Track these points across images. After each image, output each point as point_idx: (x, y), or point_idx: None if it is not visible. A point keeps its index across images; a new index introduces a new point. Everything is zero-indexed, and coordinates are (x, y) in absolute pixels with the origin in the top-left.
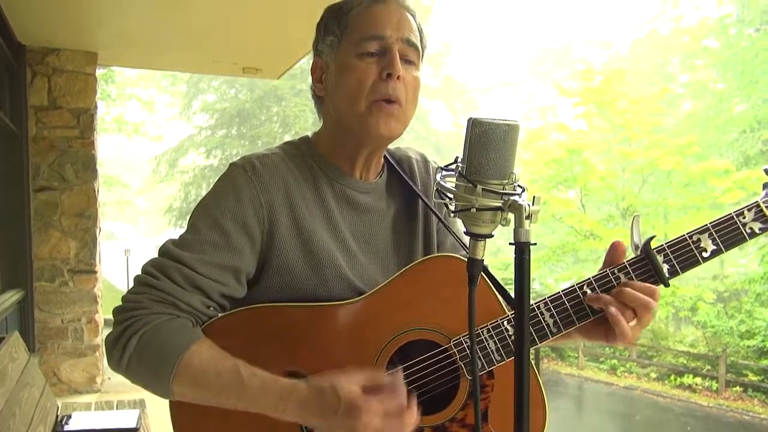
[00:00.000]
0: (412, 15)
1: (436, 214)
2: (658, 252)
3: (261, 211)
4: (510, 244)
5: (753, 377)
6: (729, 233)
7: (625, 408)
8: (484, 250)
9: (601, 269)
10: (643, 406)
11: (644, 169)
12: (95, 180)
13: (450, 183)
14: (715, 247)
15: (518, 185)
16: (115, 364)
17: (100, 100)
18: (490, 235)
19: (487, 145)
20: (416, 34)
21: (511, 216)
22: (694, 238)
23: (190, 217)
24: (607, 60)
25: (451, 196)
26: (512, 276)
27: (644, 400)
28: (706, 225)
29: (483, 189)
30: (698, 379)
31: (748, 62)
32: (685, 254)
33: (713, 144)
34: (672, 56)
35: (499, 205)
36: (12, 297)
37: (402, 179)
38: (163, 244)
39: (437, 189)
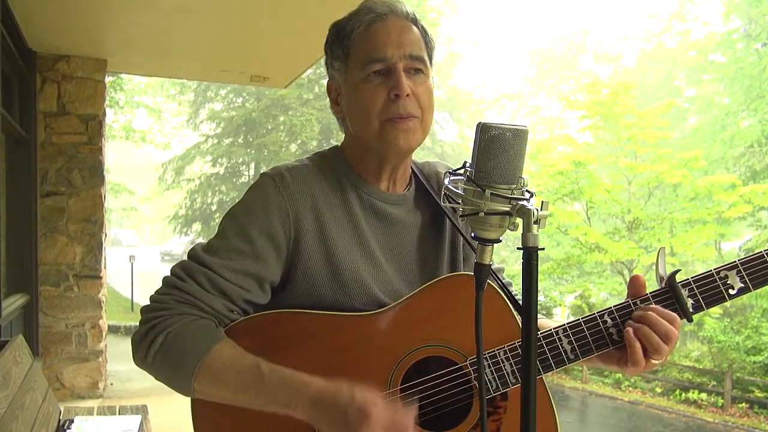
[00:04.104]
0: (413, 21)
1: (461, 233)
2: (684, 286)
3: (288, 222)
4: (518, 248)
5: (759, 394)
6: (758, 272)
7: (629, 423)
8: (491, 254)
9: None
10: (647, 421)
11: (650, 182)
12: (102, 186)
13: (459, 187)
14: (742, 285)
15: (526, 190)
16: (140, 361)
17: (108, 107)
18: (498, 240)
19: (496, 150)
20: (420, 43)
21: (519, 220)
22: (722, 274)
23: (220, 223)
24: (614, 73)
25: (459, 200)
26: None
27: (649, 416)
28: (735, 262)
29: (491, 193)
30: (704, 395)
31: (755, 77)
32: (711, 290)
33: (719, 158)
34: (679, 70)
35: (508, 209)
36: (17, 301)
37: (429, 193)
38: (192, 248)
39: (445, 193)
